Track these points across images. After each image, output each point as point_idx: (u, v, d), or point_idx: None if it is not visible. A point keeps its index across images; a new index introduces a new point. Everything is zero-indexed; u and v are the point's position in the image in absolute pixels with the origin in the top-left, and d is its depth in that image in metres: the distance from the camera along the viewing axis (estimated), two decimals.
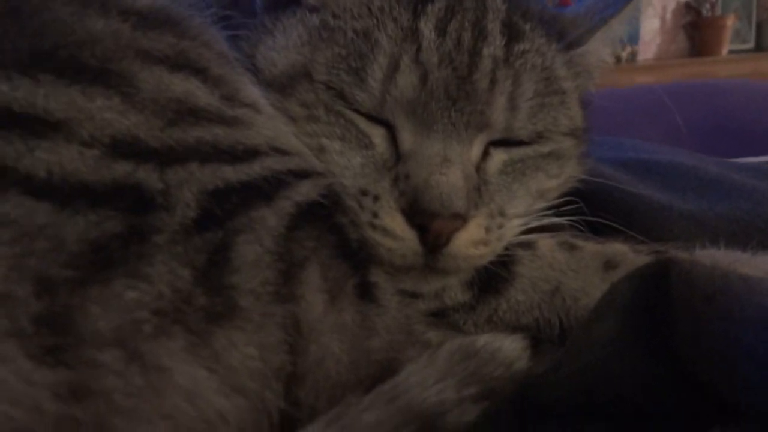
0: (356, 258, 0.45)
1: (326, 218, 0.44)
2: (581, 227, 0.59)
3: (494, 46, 0.52)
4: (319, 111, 0.53)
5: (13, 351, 0.30)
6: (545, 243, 0.55)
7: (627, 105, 1.40)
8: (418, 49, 0.51)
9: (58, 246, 0.33)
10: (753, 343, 0.33)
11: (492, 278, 0.54)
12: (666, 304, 0.38)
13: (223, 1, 0.57)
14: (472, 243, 0.50)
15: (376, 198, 0.50)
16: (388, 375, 0.41)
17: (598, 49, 0.62)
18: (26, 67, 0.39)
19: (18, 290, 0.31)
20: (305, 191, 0.44)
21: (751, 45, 3.72)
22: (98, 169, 0.36)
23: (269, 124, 0.48)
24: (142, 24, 0.46)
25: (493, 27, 0.54)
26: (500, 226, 0.52)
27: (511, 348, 0.44)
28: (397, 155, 0.52)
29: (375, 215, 0.50)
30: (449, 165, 0.50)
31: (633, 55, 3.45)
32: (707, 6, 3.57)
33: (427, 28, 0.52)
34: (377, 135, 0.53)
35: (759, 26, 3.72)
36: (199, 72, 0.46)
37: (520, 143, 0.55)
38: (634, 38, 3.39)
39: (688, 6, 3.62)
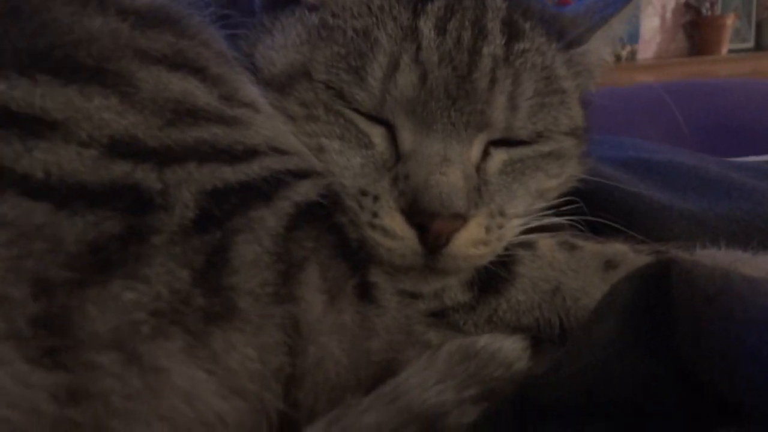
0: (356, 258, 0.45)
1: (325, 218, 0.44)
2: (581, 227, 0.58)
3: (494, 45, 0.52)
4: (318, 110, 0.52)
5: (10, 353, 0.29)
6: (545, 243, 0.55)
7: (627, 104, 1.40)
8: (418, 48, 0.50)
9: (55, 247, 0.33)
10: (756, 343, 0.33)
11: (492, 278, 0.53)
12: (667, 304, 0.38)
13: (222, 0, 0.56)
14: (472, 243, 0.50)
15: (375, 198, 0.50)
16: (388, 376, 0.41)
17: (599, 48, 0.61)
18: (24, 67, 0.38)
19: (15, 292, 0.31)
20: (304, 191, 0.44)
21: (750, 44, 3.73)
22: (96, 170, 0.36)
23: (268, 123, 0.48)
24: (141, 23, 0.45)
25: (493, 26, 0.53)
26: (500, 226, 0.52)
27: (512, 348, 0.44)
28: (397, 155, 0.52)
29: (375, 215, 0.49)
30: (449, 165, 0.50)
31: (633, 54, 3.45)
32: (707, 5, 3.57)
33: (426, 27, 0.51)
34: (377, 134, 0.52)
35: (759, 25, 3.72)
36: (198, 71, 0.46)
37: (520, 143, 0.55)
38: (633, 37, 3.39)
39: (687, 5, 3.62)
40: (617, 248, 0.55)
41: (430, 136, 0.51)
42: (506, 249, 0.54)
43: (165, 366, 0.32)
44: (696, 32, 3.61)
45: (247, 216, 0.39)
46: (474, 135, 0.52)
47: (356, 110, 0.52)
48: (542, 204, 0.57)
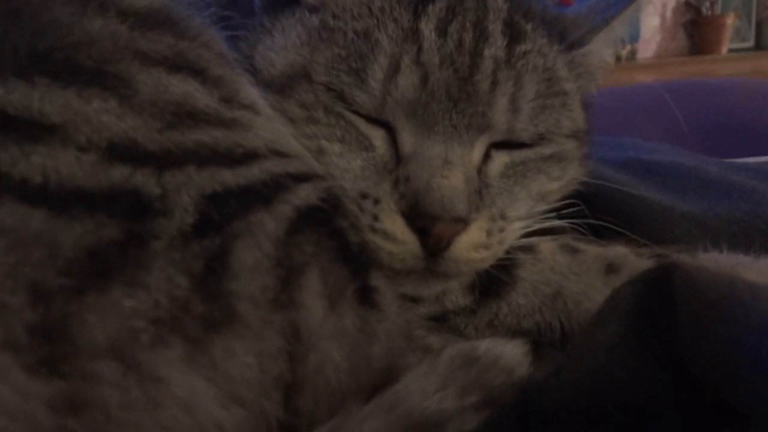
0: (356, 262, 0.44)
1: (326, 222, 0.44)
2: (583, 230, 0.58)
3: (495, 46, 0.52)
4: (318, 112, 0.52)
5: (7, 362, 0.29)
6: (546, 246, 0.55)
7: (627, 103, 1.40)
8: (419, 50, 0.50)
9: (53, 253, 0.32)
10: (757, 348, 0.33)
11: (493, 282, 0.53)
12: (669, 308, 0.38)
13: (222, 1, 0.56)
14: (473, 246, 0.50)
15: (376, 201, 0.50)
16: (389, 381, 0.40)
17: (600, 49, 0.61)
18: (23, 70, 0.38)
19: (12, 299, 0.30)
20: (305, 195, 0.43)
21: (750, 43, 3.72)
22: (95, 174, 0.36)
23: (268, 126, 0.47)
24: (141, 24, 0.45)
25: (495, 27, 0.53)
26: (501, 230, 0.52)
27: (512, 354, 0.44)
28: (398, 157, 0.52)
29: (375, 218, 0.49)
30: (450, 167, 0.49)
31: (633, 54, 3.44)
32: (707, 4, 3.57)
33: (427, 28, 0.51)
34: (377, 137, 0.52)
35: (759, 25, 3.72)
36: (198, 73, 0.45)
37: (521, 145, 0.54)
38: (633, 36, 3.38)
39: (687, 4, 3.62)
40: (619, 251, 0.55)
41: (431, 139, 0.50)
42: (507, 252, 0.53)
43: (164, 375, 0.32)
44: (696, 31, 3.61)
45: (247, 220, 0.39)
46: (475, 137, 0.52)
47: (357, 112, 0.52)
48: (543, 207, 0.57)
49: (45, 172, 0.35)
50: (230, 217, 0.38)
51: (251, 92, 0.50)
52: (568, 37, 0.57)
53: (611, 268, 0.53)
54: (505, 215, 0.53)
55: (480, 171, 0.53)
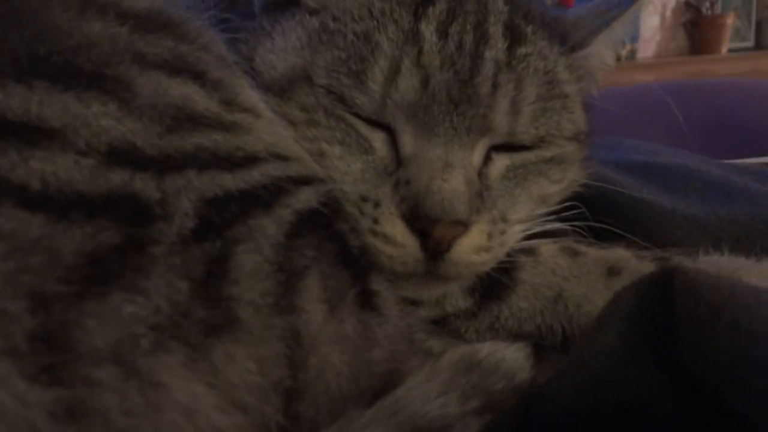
0: (357, 266, 0.44)
1: (326, 226, 0.44)
2: (584, 232, 0.58)
3: (496, 49, 0.52)
4: (319, 115, 0.52)
5: (6, 370, 0.29)
6: (547, 249, 0.55)
7: (627, 103, 1.39)
8: (420, 52, 0.50)
9: (53, 259, 0.32)
10: (760, 355, 0.33)
11: (494, 285, 0.53)
12: (670, 313, 0.38)
13: (222, 3, 0.56)
14: (473, 249, 0.50)
15: (376, 204, 0.50)
16: (390, 385, 0.40)
17: (601, 51, 0.61)
18: (22, 74, 0.38)
19: (11, 306, 0.30)
20: (305, 198, 0.43)
21: (750, 43, 3.72)
22: (94, 179, 0.35)
23: (269, 129, 0.47)
24: (140, 27, 0.45)
25: (495, 30, 0.53)
26: (502, 232, 0.52)
27: (514, 358, 0.44)
28: (398, 160, 0.51)
29: (375, 221, 0.49)
30: (451, 170, 0.49)
31: (632, 53, 3.44)
32: (707, 4, 3.57)
33: (428, 30, 0.51)
34: (378, 139, 0.52)
35: (759, 24, 3.72)
36: (198, 76, 0.45)
37: (522, 148, 0.54)
38: (633, 36, 3.39)
39: (687, 4, 3.62)
40: (620, 254, 0.55)
41: (432, 141, 0.50)
42: (508, 255, 0.53)
43: (165, 381, 0.32)
44: (696, 31, 3.61)
45: (247, 224, 0.39)
46: (476, 140, 0.51)
47: (357, 115, 0.52)
48: (544, 209, 0.57)
49: (44, 177, 0.34)
50: (230, 221, 0.38)
51: (251, 95, 0.50)
52: (568, 40, 0.57)
53: (612, 271, 0.53)
54: (506, 218, 0.52)
55: (481, 173, 0.52)
